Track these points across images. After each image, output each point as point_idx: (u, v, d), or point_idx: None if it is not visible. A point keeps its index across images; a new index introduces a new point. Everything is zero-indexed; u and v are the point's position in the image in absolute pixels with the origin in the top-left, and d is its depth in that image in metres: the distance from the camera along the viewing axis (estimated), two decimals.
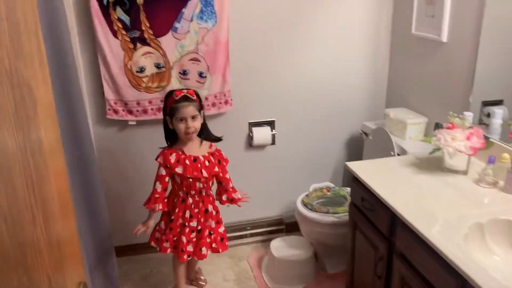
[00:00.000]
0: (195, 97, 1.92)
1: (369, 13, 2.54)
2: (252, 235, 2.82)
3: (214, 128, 2.52)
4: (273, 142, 2.66)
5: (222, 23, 2.30)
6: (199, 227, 2.04)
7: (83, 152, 2.14)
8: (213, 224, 2.08)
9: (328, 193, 2.55)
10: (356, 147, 2.78)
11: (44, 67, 0.73)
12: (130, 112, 2.36)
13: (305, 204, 2.42)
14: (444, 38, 2.09)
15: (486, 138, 1.74)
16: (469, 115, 1.82)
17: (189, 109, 1.88)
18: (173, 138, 1.99)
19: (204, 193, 2.02)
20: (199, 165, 1.96)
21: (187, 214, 2.00)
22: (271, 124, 2.64)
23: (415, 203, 1.55)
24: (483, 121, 1.95)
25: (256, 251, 2.74)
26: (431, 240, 1.32)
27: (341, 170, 2.85)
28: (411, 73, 2.45)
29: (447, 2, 2.04)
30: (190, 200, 2.00)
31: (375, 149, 2.45)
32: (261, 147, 2.68)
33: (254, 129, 2.60)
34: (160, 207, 1.98)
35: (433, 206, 1.52)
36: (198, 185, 1.98)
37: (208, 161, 1.99)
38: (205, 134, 2.04)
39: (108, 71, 2.27)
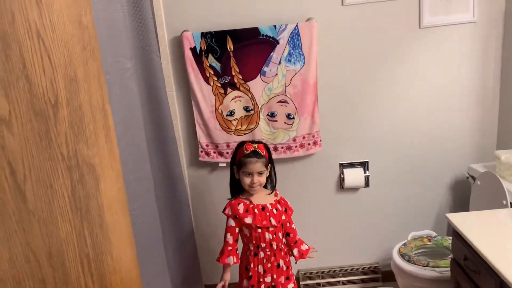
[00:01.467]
0: (264, 153, 1.90)
1: (474, 44, 2.31)
2: (344, 282, 2.65)
3: (303, 169, 2.49)
4: (367, 184, 2.51)
5: (310, 64, 2.26)
6: (273, 283, 1.96)
7: (176, 194, 2.24)
8: (282, 280, 1.98)
9: (429, 243, 2.31)
10: (462, 192, 2.50)
11: (111, 141, 0.76)
12: (221, 154, 2.41)
13: (402, 255, 2.22)
14: None
15: None
16: None
17: (257, 166, 1.87)
18: (237, 187, 1.99)
19: (275, 246, 1.94)
20: (267, 214, 1.91)
21: (260, 269, 1.94)
22: (364, 165, 2.50)
23: None
24: None
25: None
26: None
27: (444, 217, 2.58)
28: None
29: None
30: (262, 253, 1.93)
31: (483, 196, 2.17)
32: (354, 189, 2.54)
33: (346, 171, 2.48)
34: (235, 260, 1.94)
35: None
36: (268, 236, 1.91)
37: (276, 209, 1.94)
38: (270, 184, 2.00)
39: (200, 115, 2.36)
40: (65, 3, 0.64)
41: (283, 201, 2.00)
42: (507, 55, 2.29)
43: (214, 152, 2.42)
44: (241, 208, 1.91)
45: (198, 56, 2.27)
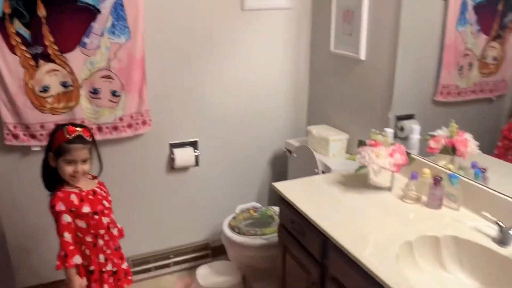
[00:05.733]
0: (90, 138, 1.70)
1: (288, 31, 2.53)
2: (176, 263, 2.64)
3: (131, 151, 2.36)
4: (197, 164, 2.53)
5: (136, 38, 2.14)
6: (115, 269, 1.83)
7: None
8: (118, 261, 1.88)
9: (255, 214, 2.47)
10: (281, 165, 2.74)
11: None
12: (33, 136, 2.10)
13: (232, 228, 2.31)
14: (363, 56, 2.13)
15: (408, 154, 1.77)
16: (390, 132, 1.85)
17: (82, 153, 1.66)
18: (53, 176, 1.72)
19: (111, 230, 1.81)
20: (99, 197, 1.76)
21: (102, 259, 1.78)
22: (193, 144, 2.51)
23: (345, 225, 1.52)
24: (397, 135, 2.00)
25: (181, 280, 2.58)
26: (366, 264, 1.29)
27: (266, 189, 2.80)
28: (331, 90, 2.48)
29: (364, 20, 2.09)
30: (101, 241, 1.76)
31: (299, 166, 2.43)
32: (184, 169, 2.53)
33: (176, 151, 2.45)
34: (80, 259, 1.69)
35: (363, 227, 1.50)
36: (105, 220, 1.76)
37: (104, 191, 1.82)
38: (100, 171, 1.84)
39: (5, 91, 2.00)
40: None
41: (102, 183, 1.86)
42: (315, 41, 2.58)
43: (25, 135, 2.08)
44: (74, 199, 1.68)
45: (0, 21, 1.90)
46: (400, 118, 2.02)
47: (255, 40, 2.47)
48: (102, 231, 1.75)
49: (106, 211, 1.76)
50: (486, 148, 1.65)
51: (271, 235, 2.24)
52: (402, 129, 2.01)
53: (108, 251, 1.79)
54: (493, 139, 1.65)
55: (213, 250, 2.73)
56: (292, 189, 1.81)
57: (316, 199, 1.73)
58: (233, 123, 2.57)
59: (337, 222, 1.53)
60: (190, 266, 2.66)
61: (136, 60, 2.17)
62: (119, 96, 2.19)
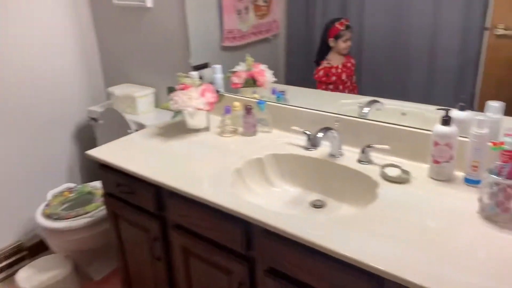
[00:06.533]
0: None
1: None
2: None
3: None
4: None
5: None
6: None
7: None
8: None
9: (71, 195, 2.23)
10: (88, 136, 2.51)
11: None
12: None
13: (48, 216, 2.04)
14: (149, 3, 2.05)
15: (217, 92, 1.82)
16: (195, 74, 1.86)
17: None
18: None
19: None
20: None
21: None
22: None
23: (175, 170, 1.49)
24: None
25: None
26: (206, 198, 1.29)
27: (77, 166, 2.53)
28: (124, 46, 2.34)
29: None
30: None
31: (109, 132, 2.26)
32: None
33: None
34: None
35: (193, 168, 1.50)
36: None
37: None
38: None
39: None
40: None
41: None
42: None
43: None
44: None
45: None
46: (197, 68, 2.04)
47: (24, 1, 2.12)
48: None
49: None
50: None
51: (95, 210, 2.07)
52: (201, 78, 2.05)
53: None
54: (277, 73, 1.81)
55: (29, 250, 2.38)
56: (110, 152, 1.67)
57: (138, 155, 1.64)
58: (18, 102, 2.20)
59: (166, 171, 1.49)
60: (5, 276, 2.27)
61: None
62: None
